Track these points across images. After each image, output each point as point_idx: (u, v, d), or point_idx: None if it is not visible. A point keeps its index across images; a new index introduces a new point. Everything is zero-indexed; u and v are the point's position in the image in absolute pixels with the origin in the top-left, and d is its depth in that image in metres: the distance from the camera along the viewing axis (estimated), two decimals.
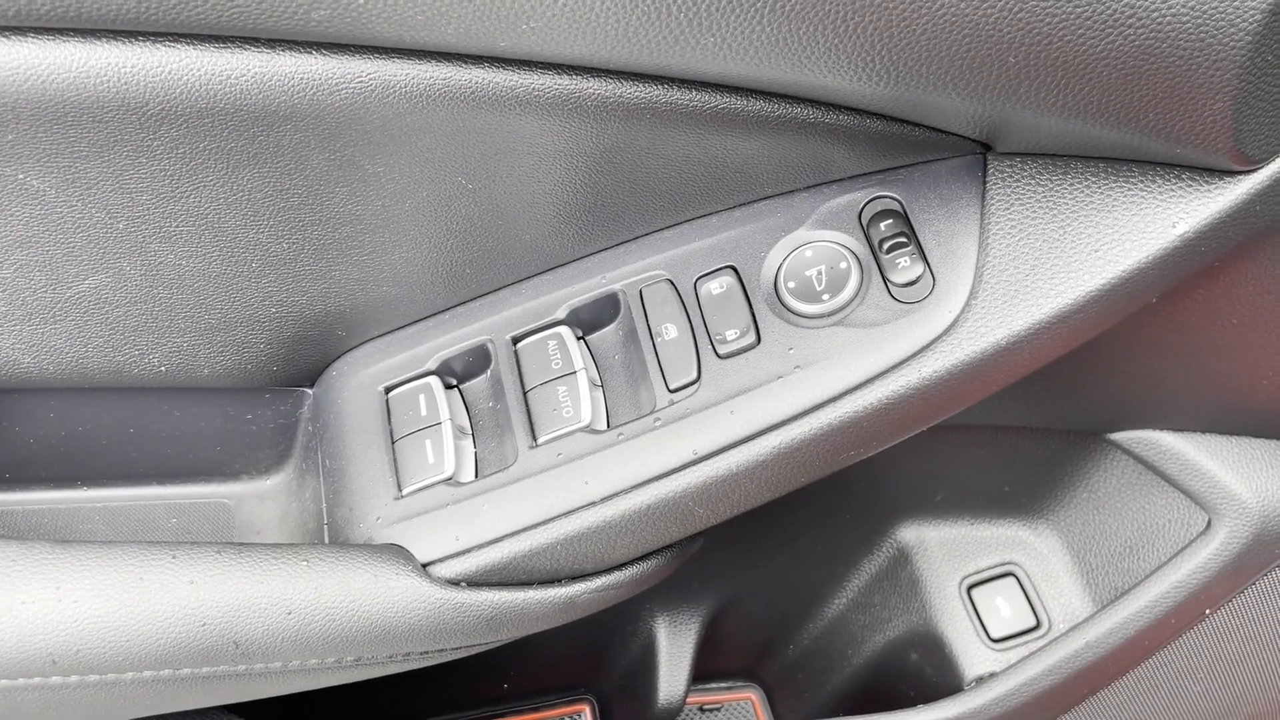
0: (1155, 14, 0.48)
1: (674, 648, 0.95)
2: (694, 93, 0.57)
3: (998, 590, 0.88)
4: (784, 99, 0.58)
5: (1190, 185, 0.56)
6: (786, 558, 0.93)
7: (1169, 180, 0.56)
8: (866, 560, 0.92)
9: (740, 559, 0.93)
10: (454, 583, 0.61)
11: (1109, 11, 0.48)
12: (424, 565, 0.61)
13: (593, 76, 0.55)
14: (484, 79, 0.54)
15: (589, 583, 0.64)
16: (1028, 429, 0.81)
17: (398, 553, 0.61)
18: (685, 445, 0.60)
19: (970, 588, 0.89)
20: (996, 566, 0.89)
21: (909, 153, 0.63)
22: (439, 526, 0.62)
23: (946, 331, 0.59)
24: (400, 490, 0.64)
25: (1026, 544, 0.88)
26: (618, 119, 0.57)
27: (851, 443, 0.61)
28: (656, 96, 0.56)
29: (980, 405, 0.64)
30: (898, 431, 0.62)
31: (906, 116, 0.60)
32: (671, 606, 0.95)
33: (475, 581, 0.62)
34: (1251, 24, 0.48)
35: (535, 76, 0.54)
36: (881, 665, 0.95)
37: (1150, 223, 0.56)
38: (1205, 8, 0.48)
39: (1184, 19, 0.48)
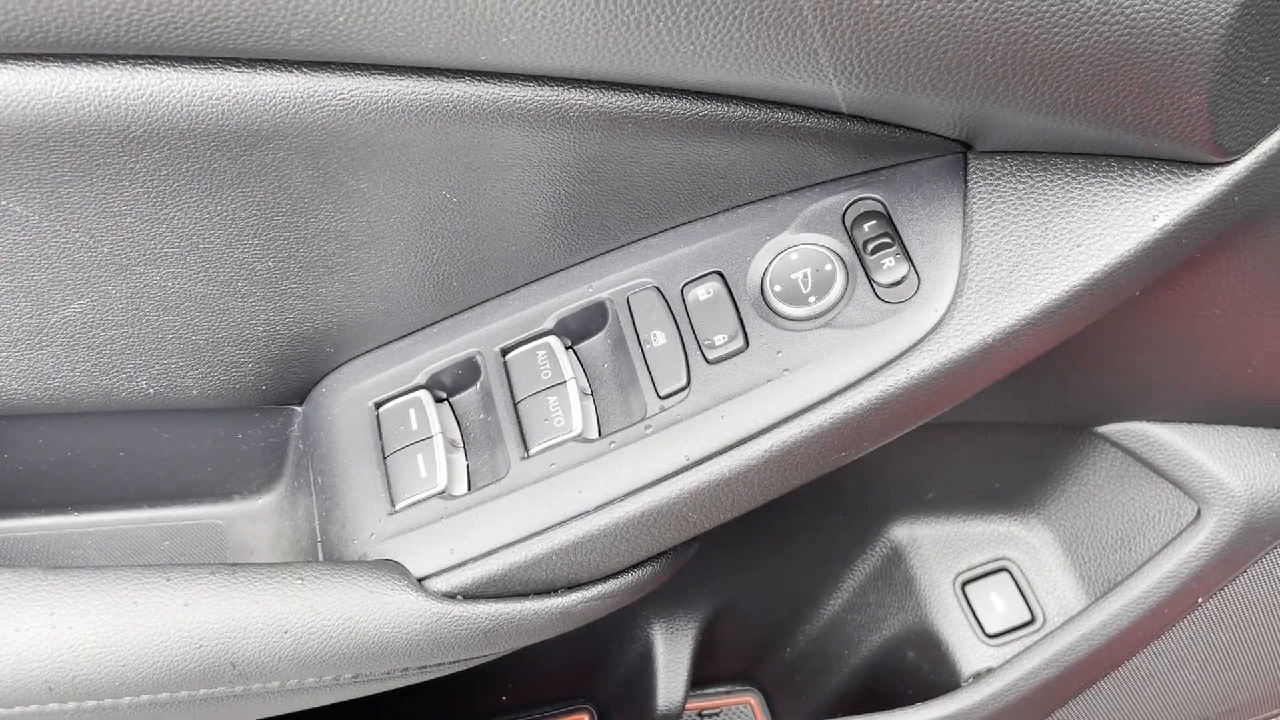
0: (1129, 10, 0.49)
1: (671, 654, 0.95)
2: (675, 100, 0.57)
3: (991, 586, 0.88)
4: (764, 104, 0.59)
5: (1169, 178, 0.56)
6: (781, 560, 0.93)
7: (1148, 174, 0.57)
8: (860, 560, 0.92)
9: (735, 563, 0.93)
10: (450, 596, 0.61)
11: (1083, 9, 0.49)
12: (419, 580, 0.61)
13: (574, 87, 0.55)
14: (466, 92, 0.54)
15: (585, 591, 0.64)
16: (1016, 424, 0.81)
17: (393, 568, 0.61)
18: (677, 451, 0.60)
19: (964, 584, 0.89)
20: (990, 562, 0.89)
21: (891, 154, 0.64)
22: (433, 540, 0.62)
23: (933, 330, 0.60)
24: (393, 505, 0.64)
25: (1019, 539, 0.89)
26: (600, 128, 0.57)
27: (842, 443, 0.61)
28: (638, 105, 0.57)
29: (968, 402, 0.64)
30: (888, 431, 0.63)
31: (887, 118, 0.60)
32: (668, 613, 0.95)
33: (471, 594, 0.62)
34: (1224, 17, 0.49)
35: (517, 89, 0.55)
36: (879, 665, 0.95)
37: (1131, 216, 0.57)
38: (1178, 2, 0.48)
39: (1157, 14, 0.49)
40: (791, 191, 0.65)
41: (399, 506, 0.63)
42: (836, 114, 0.60)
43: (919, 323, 0.60)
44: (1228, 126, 0.53)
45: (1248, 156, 0.55)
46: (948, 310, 0.60)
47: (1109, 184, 0.58)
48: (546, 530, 0.61)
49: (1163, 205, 0.56)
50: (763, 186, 0.64)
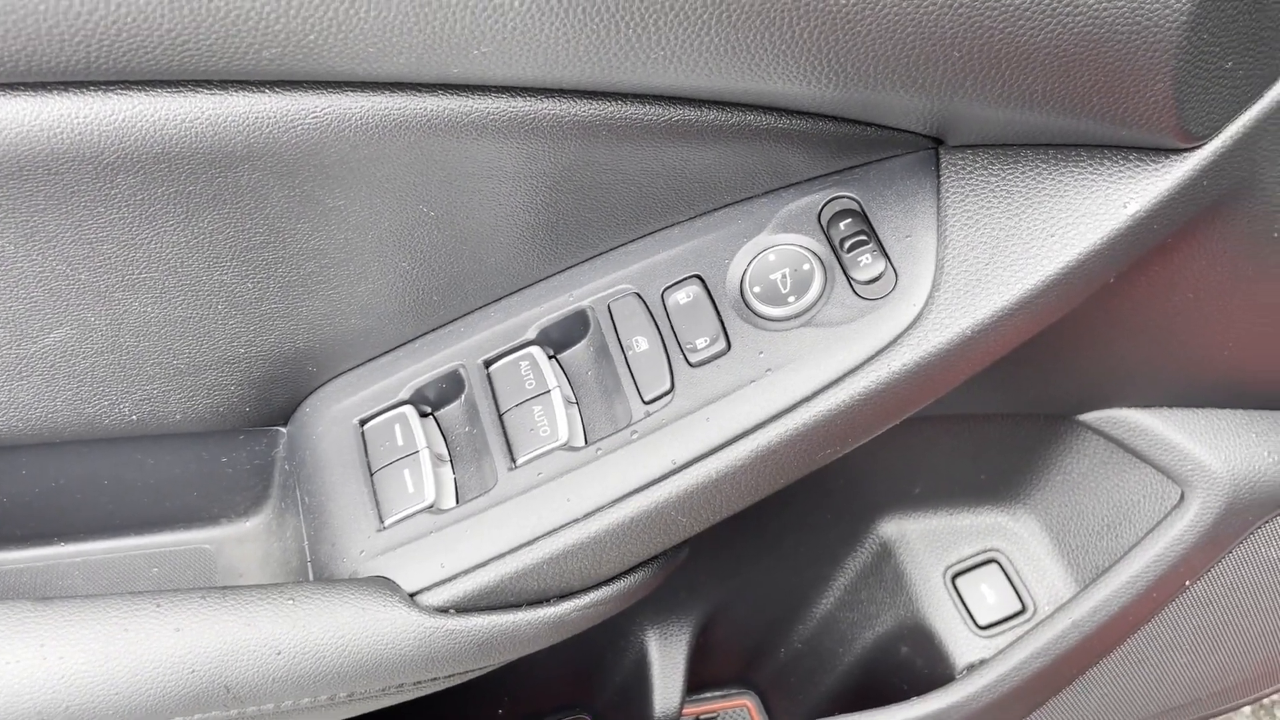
0: (1091, 1, 0.49)
1: (666, 660, 0.95)
2: (648, 107, 0.57)
3: (982, 577, 0.88)
4: (737, 107, 0.59)
5: (1139, 165, 0.57)
6: (772, 561, 0.93)
7: (1118, 162, 0.58)
8: (850, 558, 0.93)
9: (726, 566, 0.93)
10: (442, 610, 0.61)
11: (1045, 2, 0.49)
12: (411, 595, 0.61)
13: (546, 97, 0.56)
14: (439, 106, 0.55)
15: (578, 600, 0.64)
16: (999, 416, 0.82)
17: (383, 584, 0.60)
18: (664, 456, 0.61)
19: (954, 577, 0.89)
20: (979, 554, 0.89)
21: (864, 152, 0.64)
22: (423, 555, 0.62)
23: (912, 325, 0.60)
24: (382, 522, 0.64)
25: (1007, 530, 0.89)
26: (574, 137, 0.58)
27: (827, 441, 0.62)
28: (611, 113, 0.57)
29: (950, 395, 0.65)
30: (872, 427, 0.63)
31: (858, 117, 0.61)
32: (661, 619, 0.96)
33: (464, 607, 0.62)
34: (1185, 4, 0.49)
35: (489, 101, 0.55)
36: (873, 661, 0.96)
37: (1102, 204, 0.57)
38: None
39: (1119, 4, 0.49)
40: (768, 193, 0.66)
41: (388, 523, 0.63)
42: (809, 114, 0.60)
43: (898, 318, 0.60)
44: (1193, 112, 0.54)
45: (1214, 141, 0.56)
46: (926, 304, 0.60)
47: (1080, 173, 0.58)
48: (536, 540, 0.61)
49: (1133, 192, 0.57)
50: (739, 189, 0.65)
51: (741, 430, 0.60)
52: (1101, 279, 0.60)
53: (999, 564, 0.89)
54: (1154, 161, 0.57)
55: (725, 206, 0.66)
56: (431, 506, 0.63)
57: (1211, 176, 0.57)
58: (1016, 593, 0.88)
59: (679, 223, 0.66)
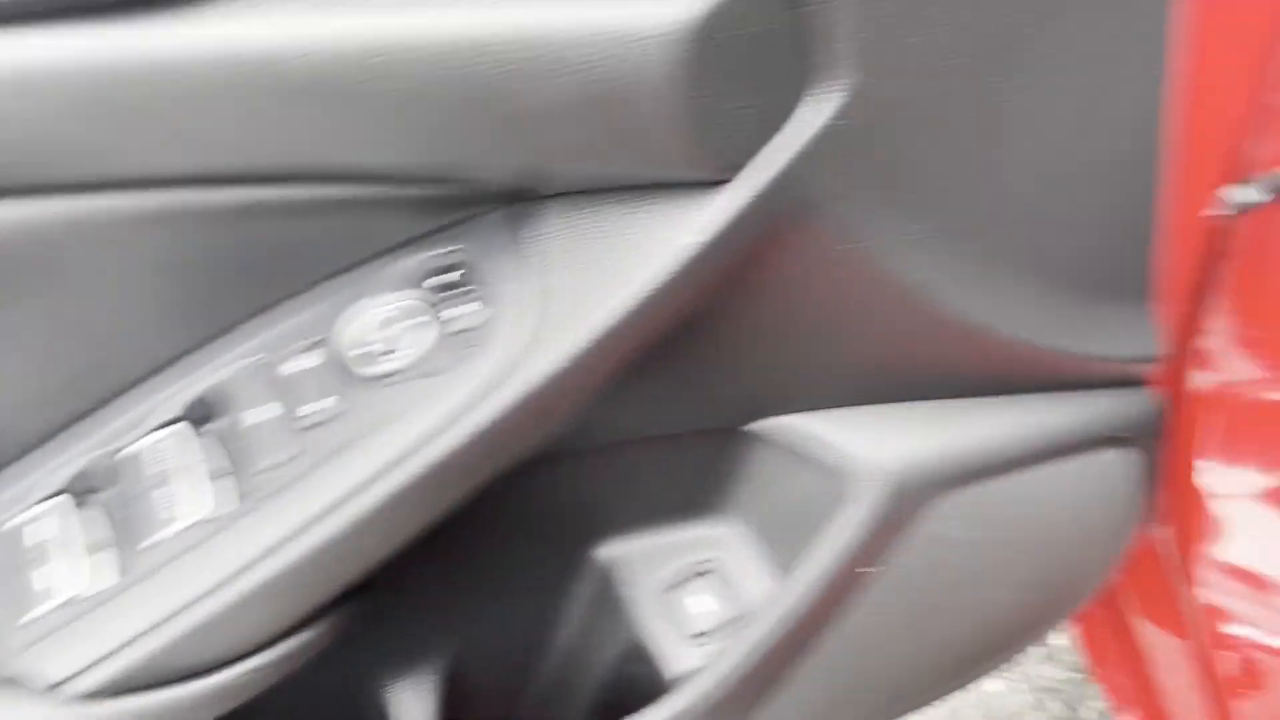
0: (582, 70, 0.54)
1: (417, 713, 0.96)
2: (227, 190, 0.60)
3: (700, 588, 0.92)
4: (328, 180, 0.62)
5: (689, 200, 0.62)
6: (506, 602, 0.96)
7: (672, 200, 0.63)
8: (577, 587, 0.96)
9: (461, 613, 0.95)
10: (92, 696, 0.62)
11: (543, 69, 0.54)
12: (57, 685, 0.62)
13: (113, 190, 0.58)
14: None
15: (236, 668, 0.66)
16: (681, 434, 0.86)
17: (14, 682, 0.61)
18: (286, 520, 0.63)
19: (673, 592, 0.93)
20: (694, 566, 0.93)
21: (467, 208, 0.68)
22: (69, 644, 0.63)
23: (515, 365, 0.64)
24: (26, 617, 0.64)
25: (716, 540, 0.94)
26: (156, 225, 0.60)
27: (446, 484, 0.65)
28: (188, 199, 0.60)
29: (613, 421, 0.69)
30: (490, 463, 0.66)
31: (448, 178, 0.65)
32: (405, 670, 0.97)
33: (117, 690, 0.63)
34: (669, 65, 0.55)
35: (47, 202, 0.57)
36: (608, 687, 0.99)
37: (659, 240, 0.62)
38: (620, 63, 0.54)
39: (610, 67, 0.54)
40: (381, 253, 0.69)
41: (31, 617, 0.64)
42: (404, 180, 0.64)
43: (502, 360, 0.64)
44: (716, 148, 0.59)
45: (747, 171, 0.61)
46: (526, 346, 0.64)
47: (638, 213, 0.63)
48: (179, 613, 0.63)
49: (683, 226, 0.62)
50: (350, 254, 0.68)
51: (355, 487, 0.63)
52: (678, 307, 0.65)
53: (713, 574, 0.93)
54: (703, 195, 0.62)
55: (343, 271, 0.69)
56: (75, 597, 0.64)
57: (758, 202, 0.62)
58: (731, 600, 0.92)
59: (302, 292, 0.69)
